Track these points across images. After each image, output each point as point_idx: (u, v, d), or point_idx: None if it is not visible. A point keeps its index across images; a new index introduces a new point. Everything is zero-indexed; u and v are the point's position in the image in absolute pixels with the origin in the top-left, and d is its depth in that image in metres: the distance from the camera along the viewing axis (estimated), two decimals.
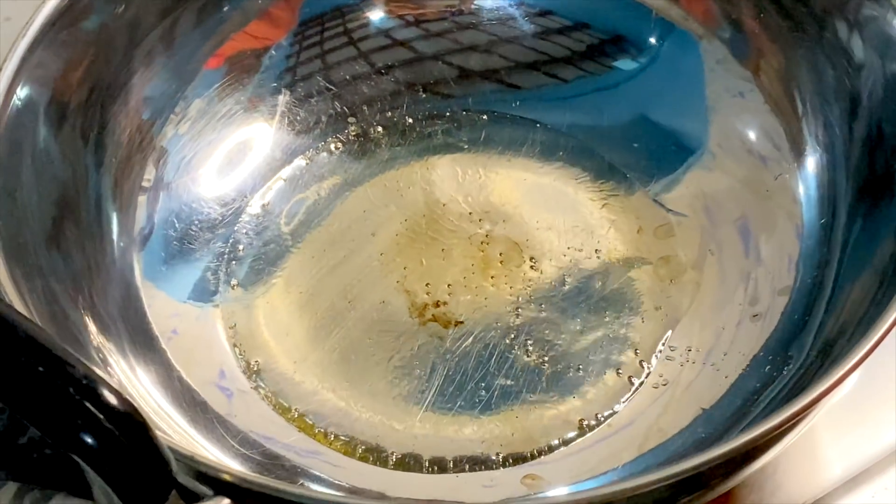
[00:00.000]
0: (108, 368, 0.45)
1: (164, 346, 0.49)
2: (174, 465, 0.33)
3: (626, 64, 0.58)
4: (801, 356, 0.47)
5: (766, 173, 0.53)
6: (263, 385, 0.50)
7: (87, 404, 0.31)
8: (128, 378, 0.46)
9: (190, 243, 0.54)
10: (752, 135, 0.54)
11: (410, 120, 0.59)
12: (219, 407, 0.48)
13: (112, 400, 0.32)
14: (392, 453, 0.48)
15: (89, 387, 0.32)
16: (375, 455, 0.48)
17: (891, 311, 0.40)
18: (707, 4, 0.55)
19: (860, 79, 0.49)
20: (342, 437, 0.49)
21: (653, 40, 0.57)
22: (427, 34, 0.59)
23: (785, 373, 0.47)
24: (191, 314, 0.51)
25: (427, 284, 0.54)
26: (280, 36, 0.57)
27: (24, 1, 0.64)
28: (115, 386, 0.32)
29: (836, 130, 0.50)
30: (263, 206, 0.56)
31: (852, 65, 0.49)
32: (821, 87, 0.51)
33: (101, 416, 0.31)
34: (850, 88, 0.50)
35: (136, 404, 0.33)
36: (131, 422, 0.32)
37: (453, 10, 0.59)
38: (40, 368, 0.32)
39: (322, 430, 0.49)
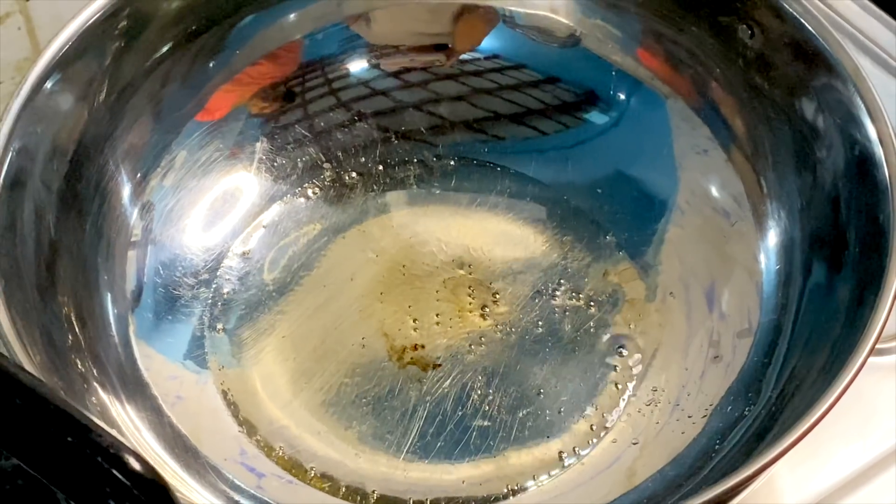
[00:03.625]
0: (116, 426, 0.47)
1: (163, 406, 0.51)
2: None
3: (595, 117, 0.60)
4: (763, 397, 0.49)
5: (729, 227, 0.56)
6: (252, 429, 0.52)
7: (115, 472, 0.33)
8: (124, 424, 0.48)
9: (175, 290, 0.55)
10: (715, 191, 0.57)
11: (383, 166, 0.61)
12: (210, 454, 0.50)
13: (137, 467, 0.33)
14: (373, 492, 0.51)
15: (116, 455, 0.33)
16: (359, 496, 0.50)
17: (851, 364, 0.43)
18: (670, 68, 0.57)
19: (821, 148, 0.51)
20: (326, 479, 0.51)
21: (621, 96, 0.60)
22: (405, 84, 0.61)
23: (747, 413, 0.49)
24: (190, 378, 0.53)
25: (404, 327, 0.56)
26: (261, 89, 0.59)
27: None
28: (138, 452, 0.34)
29: (795, 192, 0.53)
30: (244, 252, 0.58)
31: (815, 135, 0.52)
32: (779, 146, 0.54)
33: (129, 483, 0.33)
34: (811, 156, 0.52)
35: (157, 469, 0.34)
36: (155, 486, 0.34)
37: (441, 63, 0.61)
38: (69, 439, 0.33)
39: (307, 471, 0.51)
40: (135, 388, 0.50)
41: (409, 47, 0.60)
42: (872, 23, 0.69)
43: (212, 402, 0.53)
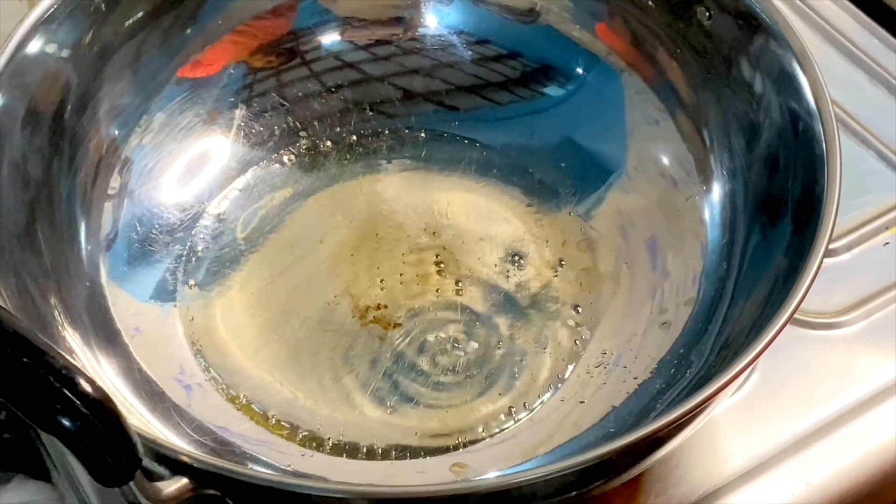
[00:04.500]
0: (75, 357, 0.50)
1: (127, 341, 0.53)
2: (140, 448, 0.37)
3: (554, 91, 0.63)
4: (701, 360, 0.52)
5: (677, 195, 0.58)
6: (218, 377, 0.55)
7: (66, 392, 0.35)
8: (92, 367, 0.51)
9: (151, 246, 0.58)
10: (665, 160, 0.60)
11: (357, 136, 0.64)
12: (176, 397, 0.53)
13: (88, 388, 0.35)
14: (329, 439, 0.53)
15: (68, 376, 0.35)
16: (316, 442, 0.53)
17: (775, 322, 0.45)
18: (627, 42, 0.60)
19: (760, 111, 0.54)
20: (285, 424, 0.53)
21: (579, 70, 0.62)
22: (374, 57, 0.64)
23: (688, 374, 0.52)
24: (152, 313, 0.56)
25: (369, 288, 0.58)
26: (239, 57, 0.62)
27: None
28: (90, 376, 0.37)
29: (739, 157, 0.56)
30: (219, 213, 0.60)
31: (754, 98, 0.55)
32: (726, 119, 0.56)
33: (78, 403, 0.35)
34: (752, 120, 0.55)
35: (108, 392, 0.37)
36: (104, 408, 0.36)
37: (399, 36, 0.64)
38: (25, 360, 0.35)
39: (268, 417, 0.54)
40: (105, 333, 0.53)
41: (371, 20, 0.63)
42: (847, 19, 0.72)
43: (183, 355, 0.56)
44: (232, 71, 0.61)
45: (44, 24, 0.52)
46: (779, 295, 0.47)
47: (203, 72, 0.60)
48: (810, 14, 0.71)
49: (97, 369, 0.51)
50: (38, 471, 0.65)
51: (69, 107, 0.54)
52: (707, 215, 0.57)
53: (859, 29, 0.71)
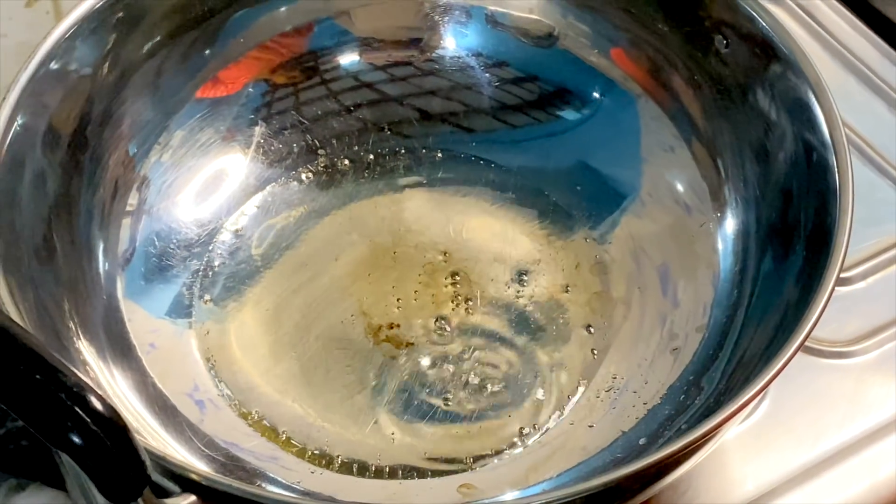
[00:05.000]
0: (89, 370, 0.50)
1: (141, 356, 0.54)
2: (149, 465, 0.38)
3: (570, 114, 0.63)
4: (711, 387, 0.52)
5: (691, 222, 0.59)
6: (230, 393, 0.55)
7: (77, 409, 0.35)
8: (107, 382, 0.51)
9: (168, 260, 0.59)
10: (679, 186, 0.60)
11: (374, 155, 0.64)
12: (189, 413, 0.53)
13: (98, 406, 0.36)
14: (338, 457, 0.53)
15: (79, 394, 0.36)
16: (325, 460, 0.53)
17: (785, 351, 0.45)
18: (644, 69, 0.60)
19: (774, 140, 0.55)
20: (296, 442, 0.54)
21: (596, 95, 0.63)
22: (393, 78, 0.64)
23: (697, 401, 0.52)
24: (167, 329, 0.56)
25: (383, 307, 0.59)
26: (260, 75, 0.62)
27: (17, 20, 0.69)
28: (101, 393, 0.37)
29: (753, 186, 0.56)
30: (236, 230, 0.61)
31: (769, 127, 0.55)
32: (741, 147, 0.57)
33: (88, 420, 0.35)
34: (766, 148, 0.55)
35: (118, 410, 0.37)
36: (114, 426, 0.36)
37: (417, 57, 0.64)
38: (37, 376, 0.36)
39: (279, 434, 0.54)
40: (120, 348, 0.54)
41: (390, 41, 0.63)
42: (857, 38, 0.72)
43: (197, 370, 0.56)
44: (251, 90, 0.62)
45: (66, 42, 0.53)
46: (790, 323, 0.47)
47: (224, 91, 0.61)
48: (831, 42, 0.71)
49: (111, 383, 0.51)
50: (54, 479, 0.66)
51: (90, 124, 0.55)
52: (720, 243, 0.57)
53: (879, 57, 0.71)
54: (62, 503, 0.64)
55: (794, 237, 0.52)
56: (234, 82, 0.61)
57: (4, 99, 0.51)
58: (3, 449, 0.70)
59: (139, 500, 0.38)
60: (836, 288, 0.47)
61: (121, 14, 0.55)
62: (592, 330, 0.58)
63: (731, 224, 0.57)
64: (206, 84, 0.60)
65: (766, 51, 0.55)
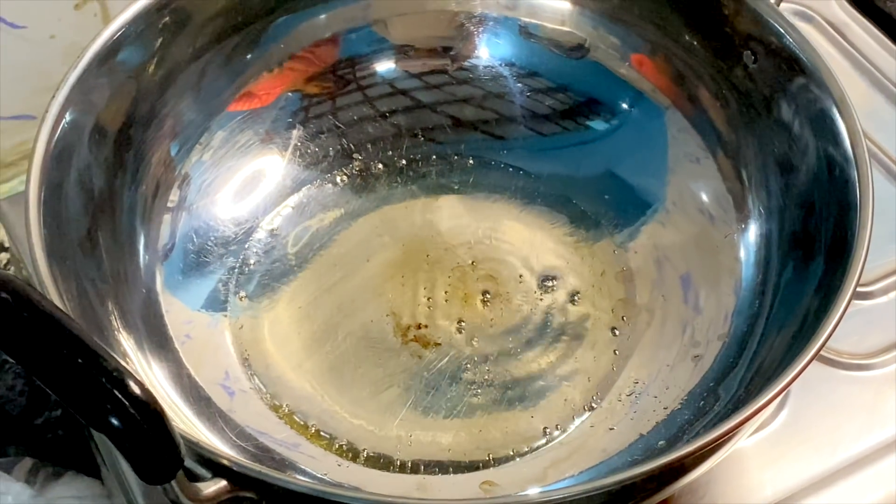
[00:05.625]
0: (128, 360, 0.52)
1: (177, 347, 0.56)
2: (183, 449, 0.39)
3: (599, 124, 0.65)
4: (729, 394, 0.53)
5: (715, 232, 0.60)
6: (262, 386, 0.57)
7: (116, 392, 0.37)
8: (144, 371, 0.53)
9: (206, 257, 0.61)
10: (704, 197, 0.61)
11: (407, 160, 0.66)
12: (221, 403, 0.55)
13: (136, 390, 0.37)
14: (364, 451, 0.55)
15: (119, 379, 0.37)
16: (352, 453, 0.55)
17: (799, 360, 0.46)
18: (672, 81, 0.62)
19: (798, 153, 0.56)
20: (324, 434, 0.56)
21: (625, 106, 0.64)
22: (427, 86, 0.66)
23: (716, 407, 0.53)
24: (203, 322, 0.58)
25: (412, 308, 0.60)
26: (294, 86, 0.64)
27: (66, 22, 0.71)
28: (139, 379, 0.39)
29: (776, 197, 0.57)
30: (272, 229, 0.63)
31: (792, 140, 0.56)
32: (765, 159, 0.58)
33: (127, 403, 0.37)
34: (790, 161, 0.56)
35: (155, 395, 0.39)
36: (150, 410, 0.38)
37: (451, 66, 0.66)
38: (79, 360, 0.37)
39: (308, 427, 0.56)
40: (157, 339, 0.55)
41: (426, 50, 0.65)
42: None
43: (230, 362, 0.58)
44: (290, 94, 0.64)
45: (114, 43, 0.55)
46: (807, 333, 0.48)
47: (258, 103, 0.62)
48: (859, 59, 0.73)
49: (148, 373, 0.53)
50: (90, 468, 0.67)
51: (134, 123, 0.57)
52: (742, 253, 0.58)
53: None
54: (97, 492, 0.66)
55: (815, 248, 0.53)
56: (268, 93, 0.63)
57: (54, 97, 0.53)
58: (41, 437, 0.72)
59: (172, 482, 0.40)
60: (858, 302, 0.48)
61: (167, 18, 0.57)
62: (616, 335, 0.59)
63: (753, 234, 0.58)
64: (241, 98, 0.62)
65: (791, 66, 0.56)
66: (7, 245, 0.67)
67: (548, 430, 0.56)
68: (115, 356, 0.38)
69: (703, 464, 0.49)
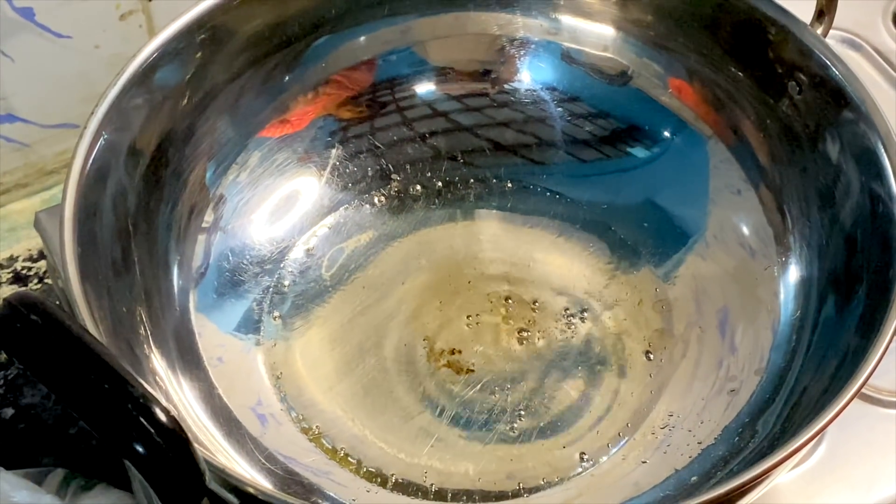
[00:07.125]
0: (158, 380, 0.52)
1: (209, 368, 0.56)
2: (208, 476, 0.39)
3: (640, 152, 0.64)
4: (766, 430, 0.52)
5: (754, 266, 0.59)
6: (293, 409, 0.57)
7: (142, 419, 0.37)
8: (175, 391, 0.53)
9: (240, 276, 0.60)
10: (745, 229, 0.60)
11: (445, 183, 0.65)
12: (251, 427, 0.55)
13: (162, 417, 0.37)
14: (392, 476, 0.55)
15: (145, 405, 0.37)
16: (380, 479, 0.55)
17: (840, 398, 0.45)
18: (715, 111, 0.61)
19: (841, 188, 0.55)
20: (352, 459, 0.55)
21: (666, 134, 0.63)
22: (467, 108, 0.66)
23: (751, 444, 0.52)
24: (236, 345, 0.58)
25: (445, 333, 0.60)
26: (326, 111, 0.64)
27: (111, 32, 0.72)
28: (166, 405, 0.39)
29: (818, 232, 0.56)
30: (308, 249, 0.63)
31: (836, 175, 0.55)
32: (807, 193, 0.57)
33: (152, 431, 0.37)
34: (833, 196, 0.55)
35: (181, 422, 0.39)
36: (176, 437, 0.38)
37: (492, 89, 0.66)
38: (106, 385, 0.38)
39: (337, 451, 0.55)
40: (189, 360, 0.55)
41: (466, 72, 0.65)
42: None
43: (262, 386, 0.58)
44: (322, 123, 0.64)
45: (153, 61, 0.55)
46: (847, 371, 0.48)
47: (291, 128, 0.62)
48: None
49: (179, 394, 0.53)
50: (120, 480, 0.68)
51: (172, 142, 0.57)
52: (782, 288, 0.57)
53: None
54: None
55: (856, 286, 0.52)
56: (301, 119, 0.62)
57: (92, 114, 0.52)
58: (74, 448, 0.72)
59: None
60: None
61: (206, 36, 0.57)
62: (651, 366, 0.58)
63: (794, 270, 0.57)
64: (274, 124, 0.62)
65: (837, 99, 0.55)
66: (45, 254, 0.67)
67: (580, 461, 0.55)
68: (143, 382, 0.38)
69: (740, 501, 0.48)
